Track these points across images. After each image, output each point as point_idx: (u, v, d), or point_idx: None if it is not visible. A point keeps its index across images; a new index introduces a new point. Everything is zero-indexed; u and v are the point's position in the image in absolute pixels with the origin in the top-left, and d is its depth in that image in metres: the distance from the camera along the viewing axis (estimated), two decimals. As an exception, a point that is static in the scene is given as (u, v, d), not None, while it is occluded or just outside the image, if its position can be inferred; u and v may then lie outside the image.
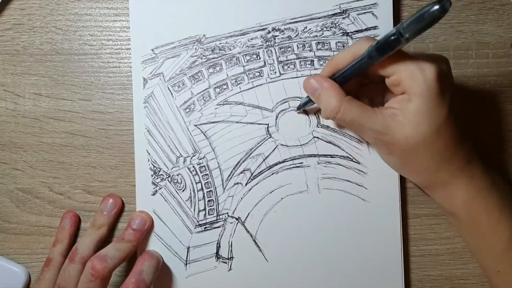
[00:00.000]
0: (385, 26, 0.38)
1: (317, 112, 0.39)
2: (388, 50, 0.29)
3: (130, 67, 0.40)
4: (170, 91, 0.39)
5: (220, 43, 0.39)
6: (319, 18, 0.39)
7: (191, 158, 0.39)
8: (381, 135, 0.32)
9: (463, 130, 0.33)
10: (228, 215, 0.39)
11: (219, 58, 0.39)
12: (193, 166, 0.39)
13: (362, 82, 0.36)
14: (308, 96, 0.36)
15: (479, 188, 0.33)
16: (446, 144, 0.32)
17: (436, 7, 0.26)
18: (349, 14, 0.38)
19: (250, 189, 0.39)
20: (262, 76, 0.39)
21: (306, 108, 0.38)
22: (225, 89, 0.39)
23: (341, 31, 0.39)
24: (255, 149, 0.39)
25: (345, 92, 0.34)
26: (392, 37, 0.29)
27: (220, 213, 0.39)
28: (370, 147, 0.39)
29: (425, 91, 0.30)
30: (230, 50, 0.39)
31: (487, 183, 0.34)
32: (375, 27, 0.38)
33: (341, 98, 0.33)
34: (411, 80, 0.31)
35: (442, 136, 0.32)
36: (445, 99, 0.31)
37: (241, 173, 0.39)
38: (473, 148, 0.34)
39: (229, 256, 0.39)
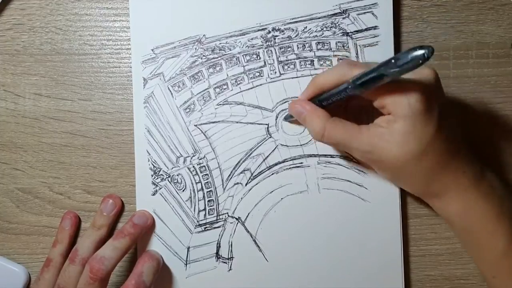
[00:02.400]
0: (385, 26, 0.38)
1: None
2: (370, 85, 0.30)
3: (130, 67, 0.40)
4: (170, 91, 0.39)
5: (220, 43, 0.39)
6: (319, 18, 0.39)
7: (191, 158, 0.39)
8: (368, 154, 0.33)
9: (457, 139, 0.33)
10: (228, 215, 0.39)
11: (219, 58, 0.39)
12: (193, 166, 0.39)
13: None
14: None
15: (475, 198, 0.33)
16: (436, 160, 0.32)
17: (418, 53, 0.26)
18: (349, 14, 0.38)
19: (250, 189, 0.39)
20: (262, 76, 0.39)
21: (292, 119, 0.38)
22: (225, 89, 0.39)
23: (341, 31, 0.39)
24: (255, 149, 0.39)
25: (333, 107, 0.34)
26: (373, 74, 0.29)
27: (220, 213, 0.39)
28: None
29: (409, 113, 0.30)
30: (230, 50, 0.39)
31: (484, 190, 0.34)
32: (375, 27, 0.38)
33: (324, 121, 0.33)
34: (394, 104, 0.31)
35: (430, 153, 0.32)
36: (432, 117, 0.31)
37: (241, 173, 0.39)
38: (468, 156, 0.34)
39: (229, 256, 0.39)
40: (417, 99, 0.30)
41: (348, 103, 0.37)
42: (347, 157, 0.39)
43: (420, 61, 0.26)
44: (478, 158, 0.35)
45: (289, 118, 0.38)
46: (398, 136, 0.31)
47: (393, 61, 0.28)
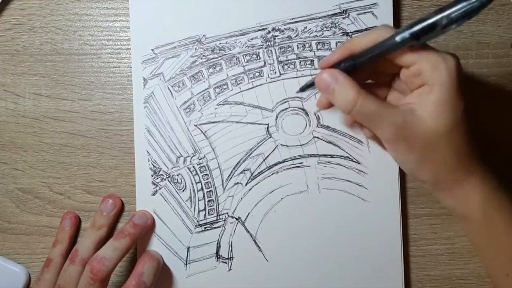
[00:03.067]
0: (385, 26, 0.38)
1: (317, 112, 0.39)
2: (422, 35, 0.29)
3: (130, 67, 0.40)
4: (170, 91, 0.39)
5: (220, 43, 0.39)
6: (319, 18, 0.39)
7: (191, 158, 0.39)
8: (401, 129, 0.31)
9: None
10: (228, 215, 0.39)
11: (219, 58, 0.39)
12: (193, 166, 0.39)
13: (365, 82, 0.36)
14: (313, 79, 0.34)
15: (493, 189, 0.33)
16: (464, 139, 0.32)
17: None
18: (349, 14, 0.38)
19: (250, 189, 0.39)
20: (262, 76, 0.39)
21: (308, 90, 0.37)
22: (225, 89, 0.39)
23: (341, 31, 0.39)
24: (255, 149, 0.39)
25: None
26: (430, 20, 0.28)
27: (220, 213, 0.39)
28: (370, 147, 0.39)
29: (447, 81, 0.30)
30: (230, 50, 0.39)
31: (498, 183, 0.33)
32: (375, 27, 0.38)
33: (358, 89, 0.31)
34: (433, 70, 0.30)
35: (460, 130, 0.31)
36: (463, 92, 0.31)
37: (241, 173, 0.39)
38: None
39: (229, 256, 0.39)
40: (455, 67, 0.30)
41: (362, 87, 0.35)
42: (347, 157, 0.39)
43: (484, 2, 0.26)
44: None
45: (305, 89, 0.36)
46: (432, 107, 0.30)
47: (448, 7, 0.27)
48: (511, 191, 0.34)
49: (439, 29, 0.28)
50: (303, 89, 0.36)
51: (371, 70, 0.34)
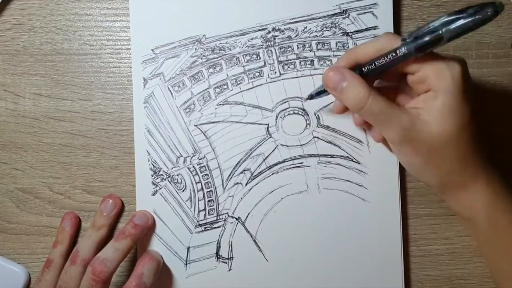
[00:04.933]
0: (385, 26, 0.38)
1: (317, 112, 0.39)
2: (427, 48, 0.29)
3: (130, 67, 0.40)
4: (170, 91, 0.39)
5: (220, 43, 0.39)
6: (319, 18, 0.39)
7: (191, 158, 0.39)
8: (408, 131, 0.31)
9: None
10: (228, 215, 0.39)
11: (219, 58, 0.39)
12: (193, 166, 0.39)
13: (372, 85, 0.35)
14: (321, 86, 0.35)
15: (499, 192, 0.33)
16: (469, 143, 0.32)
17: (489, 9, 0.26)
18: (349, 14, 0.38)
19: (250, 189, 0.39)
20: (262, 76, 0.39)
21: (318, 98, 0.36)
22: (225, 89, 0.39)
23: (341, 31, 0.39)
24: (255, 149, 0.39)
25: None
26: (434, 34, 0.28)
27: (220, 213, 0.39)
28: (370, 147, 0.39)
29: (452, 88, 0.30)
30: (230, 50, 0.39)
31: (505, 186, 0.33)
32: (375, 27, 0.38)
33: (368, 87, 0.32)
34: (438, 77, 0.30)
35: (466, 135, 0.31)
36: (469, 98, 0.31)
37: (241, 173, 0.39)
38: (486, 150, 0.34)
39: (229, 256, 0.39)
40: (460, 74, 0.30)
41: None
42: (347, 157, 0.39)
43: (489, 13, 0.26)
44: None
45: (315, 97, 0.36)
46: (437, 113, 0.31)
47: (453, 18, 0.27)
48: None
49: (444, 41, 0.28)
50: (311, 97, 0.37)
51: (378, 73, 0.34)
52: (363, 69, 0.32)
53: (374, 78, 0.35)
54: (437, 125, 0.31)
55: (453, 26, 0.28)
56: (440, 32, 0.28)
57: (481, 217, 0.34)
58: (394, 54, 0.31)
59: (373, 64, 0.32)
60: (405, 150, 0.33)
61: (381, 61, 0.31)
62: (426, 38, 0.29)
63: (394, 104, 0.32)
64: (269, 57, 0.39)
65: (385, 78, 0.35)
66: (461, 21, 0.27)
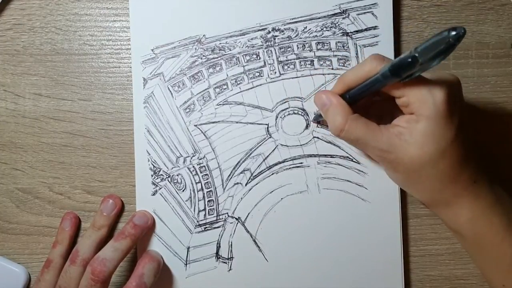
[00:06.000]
0: (385, 26, 0.38)
1: (317, 112, 0.39)
2: (402, 72, 0.29)
3: (130, 67, 0.40)
4: (170, 91, 0.39)
5: (220, 43, 0.39)
6: (319, 18, 0.39)
7: (191, 158, 0.39)
8: (386, 153, 0.33)
9: (471, 147, 0.33)
10: (228, 215, 0.39)
11: (219, 58, 0.39)
12: (193, 166, 0.39)
13: (373, 98, 0.36)
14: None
15: (484, 207, 0.33)
16: (451, 165, 0.32)
17: (453, 33, 0.26)
18: (349, 14, 0.38)
19: (250, 189, 0.39)
20: (262, 76, 0.39)
21: (320, 120, 0.38)
22: (225, 89, 0.39)
23: (341, 31, 0.39)
24: (255, 149, 0.39)
25: (355, 108, 0.34)
26: (407, 60, 0.28)
27: (220, 213, 0.39)
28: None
29: (433, 114, 0.30)
30: (230, 50, 0.39)
31: (492, 200, 0.33)
32: (375, 27, 0.38)
33: (346, 116, 0.33)
34: (420, 103, 0.31)
35: (447, 157, 0.32)
36: (453, 122, 0.31)
37: (241, 173, 0.39)
38: (479, 165, 0.34)
39: (229, 256, 0.39)
40: (443, 101, 0.30)
41: (370, 106, 0.36)
42: (347, 157, 0.39)
43: (451, 40, 0.26)
44: (477, 158, 0.34)
45: (318, 119, 0.38)
46: (419, 136, 0.31)
47: (425, 45, 0.27)
48: (508, 205, 0.34)
49: (418, 67, 0.28)
50: (315, 120, 0.39)
51: (373, 94, 0.35)
52: (347, 95, 0.34)
53: (367, 100, 0.36)
54: (416, 148, 0.31)
55: (422, 46, 0.27)
56: (411, 53, 0.28)
57: (466, 231, 0.34)
58: (374, 80, 0.31)
59: (357, 90, 0.33)
60: (385, 167, 0.35)
61: (363, 88, 0.33)
62: (397, 60, 0.29)
63: (374, 127, 0.33)
64: (269, 57, 0.39)
65: (381, 96, 0.35)
66: (430, 41, 0.27)
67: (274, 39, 0.39)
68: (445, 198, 0.34)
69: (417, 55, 0.27)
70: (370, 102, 0.36)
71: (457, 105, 0.31)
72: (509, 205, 0.34)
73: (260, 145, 0.39)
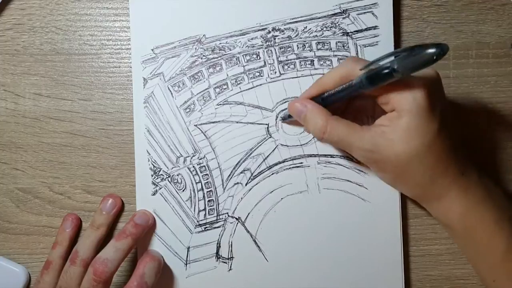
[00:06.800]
0: (385, 26, 0.38)
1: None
2: (380, 82, 0.29)
3: (130, 67, 0.40)
4: (170, 91, 0.39)
5: (220, 43, 0.39)
6: (319, 18, 0.39)
7: (191, 158, 0.39)
8: (370, 153, 0.33)
9: (457, 141, 0.33)
10: (228, 215, 0.39)
11: (219, 58, 0.39)
12: (193, 166, 0.39)
13: (351, 99, 0.36)
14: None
15: (474, 201, 0.33)
16: (438, 158, 0.32)
17: (433, 50, 0.26)
18: (349, 14, 0.38)
19: (250, 189, 0.39)
20: (262, 76, 0.39)
21: (290, 120, 0.38)
22: (225, 89, 0.39)
23: (341, 31, 0.39)
24: (255, 149, 0.39)
25: (332, 109, 0.34)
26: (385, 71, 0.28)
27: (220, 213, 0.39)
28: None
29: (414, 108, 0.30)
30: (230, 50, 0.39)
31: (482, 194, 0.33)
32: (375, 27, 0.38)
33: (326, 117, 0.33)
34: (400, 98, 0.31)
35: (434, 151, 0.32)
36: (435, 114, 0.31)
37: (241, 173, 0.39)
38: (467, 158, 0.34)
39: (229, 256, 0.39)
40: (422, 95, 0.30)
41: (347, 105, 0.37)
42: (347, 157, 0.39)
43: (435, 58, 0.26)
44: (477, 158, 0.35)
45: (287, 119, 0.38)
46: (402, 131, 0.31)
47: (404, 55, 0.27)
48: (498, 200, 0.34)
49: (397, 76, 0.28)
50: (284, 119, 0.38)
51: None
52: (319, 99, 0.34)
53: (342, 104, 0.36)
54: (401, 143, 0.31)
55: (403, 59, 0.28)
56: (390, 66, 0.28)
57: (457, 225, 0.34)
58: (349, 86, 0.32)
59: (333, 94, 0.33)
60: (372, 167, 0.35)
61: (338, 92, 0.33)
62: (375, 71, 0.29)
63: (355, 128, 0.33)
64: (269, 57, 0.39)
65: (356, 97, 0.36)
66: (412, 54, 0.27)
67: (274, 39, 0.39)
68: (435, 192, 0.34)
69: (396, 67, 0.28)
70: (345, 105, 0.37)
71: (437, 97, 0.31)
72: (499, 198, 0.34)
73: (260, 145, 0.39)
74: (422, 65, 0.27)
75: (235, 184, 0.39)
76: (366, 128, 0.33)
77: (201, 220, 0.39)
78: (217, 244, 0.39)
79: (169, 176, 0.39)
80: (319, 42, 0.39)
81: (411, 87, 0.30)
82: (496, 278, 0.34)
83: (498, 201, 0.34)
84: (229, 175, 0.39)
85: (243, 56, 0.39)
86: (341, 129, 0.33)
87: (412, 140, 0.31)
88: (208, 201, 0.39)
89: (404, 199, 0.40)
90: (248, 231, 0.39)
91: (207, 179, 0.39)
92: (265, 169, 0.39)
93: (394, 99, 0.31)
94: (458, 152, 0.33)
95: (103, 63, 0.40)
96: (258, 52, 0.39)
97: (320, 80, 0.35)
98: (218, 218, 0.39)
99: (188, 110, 0.39)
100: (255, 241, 0.39)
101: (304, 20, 0.39)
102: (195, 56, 0.39)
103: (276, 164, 0.39)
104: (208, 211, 0.39)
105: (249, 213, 0.39)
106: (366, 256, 0.39)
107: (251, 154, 0.39)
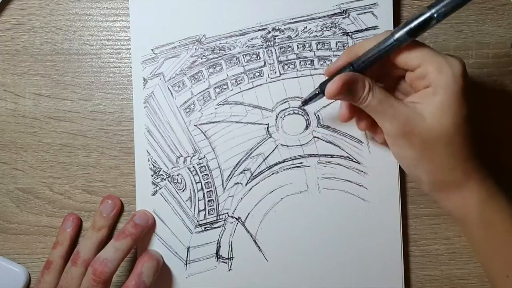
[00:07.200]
0: (385, 26, 0.38)
1: (317, 111, 0.39)
2: (417, 30, 0.29)
3: (130, 67, 0.40)
4: (170, 91, 0.39)
5: (220, 43, 0.39)
6: (319, 18, 0.39)
7: (191, 158, 0.39)
8: (403, 124, 0.32)
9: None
10: (228, 215, 0.39)
11: (219, 58, 0.39)
12: (193, 166, 0.39)
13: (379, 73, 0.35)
14: (316, 90, 0.34)
15: (492, 192, 0.33)
16: (464, 141, 0.32)
17: None
18: (349, 14, 0.38)
19: (250, 189, 0.39)
20: (262, 76, 0.39)
21: (311, 103, 0.36)
22: (225, 89, 0.39)
23: (341, 31, 0.39)
24: (255, 149, 0.39)
25: None
26: (423, 16, 0.29)
27: (220, 213, 0.39)
28: (370, 147, 0.39)
29: (451, 85, 0.30)
30: (230, 50, 0.39)
31: (498, 187, 0.33)
32: (375, 27, 0.38)
33: (368, 79, 0.32)
34: (438, 72, 0.30)
35: (462, 133, 0.31)
36: (468, 95, 0.31)
37: (241, 173, 0.39)
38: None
39: (229, 256, 0.39)
40: (461, 72, 0.30)
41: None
42: (347, 157, 0.39)
43: None
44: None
45: (308, 102, 0.35)
46: (435, 108, 0.31)
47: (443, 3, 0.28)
48: (510, 194, 0.34)
49: (433, 23, 0.29)
50: (305, 103, 0.36)
51: (376, 74, 0.34)
52: (354, 63, 0.33)
53: (372, 73, 0.35)
54: (433, 120, 0.31)
55: (437, 7, 0.29)
56: (428, 15, 0.29)
57: (474, 216, 0.33)
58: (384, 44, 0.31)
59: (369, 55, 0.32)
60: (399, 142, 0.33)
61: (372, 52, 0.32)
62: (417, 21, 0.29)
63: (392, 97, 0.32)
64: (269, 57, 0.39)
65: (383, 82, 0.35)
66: (444, 2, 0.28)
67: (274, 39, 0.39)
68: (456, 178, 0.33)
69: (433, 10, 0.29)
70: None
71: (469, 80, 0.31)
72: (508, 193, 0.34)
73: (260, 145, 0.39)
74: (458, 4, 0.28)
75: (235, 184, 0.39)
76: (400, 100, 0.32)
77: (201, 220, 0.39)
78: (217, 244, 0.39)
79: (169, 176, 0.39)
80: (319, 42, 0.39)
81: (451, 64, 0.30)
82: (510, 273, 0.34)
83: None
84: (229, 175, 0.39)
85: (243, 56, 0.39)
86: (382, 92, 0.32)
87: (443, 117, 0.31)
88: (208, 201, 0.39)
89: (404, 199, 0.40)
90: (248, 231, 0.39)
91: (207, 179, 0.39)
92: (265, 169, 0.39)
93: (432, 74, 0.30)
94: (476, 145, 0.33)
95: (103, 63, 0.40)
96: (258, 52, 0.39)
97: (351, 48, 0.33)
98: (218, 218, 0.39)
99: (188, 110, 0.39)
100: (255, 241, 0.39)
101: (304, 20, 0.39)
102: (195, 56, 0.39)
103: (276, 164, 0.39)
104: (208, 211, 0.39)
105: (249, 213, 0.39)
106: (366, 256, 0.39)
107: (251, 154, 0.39)
